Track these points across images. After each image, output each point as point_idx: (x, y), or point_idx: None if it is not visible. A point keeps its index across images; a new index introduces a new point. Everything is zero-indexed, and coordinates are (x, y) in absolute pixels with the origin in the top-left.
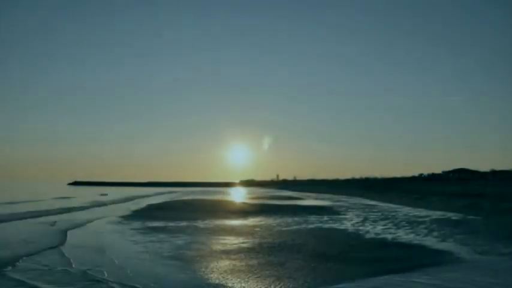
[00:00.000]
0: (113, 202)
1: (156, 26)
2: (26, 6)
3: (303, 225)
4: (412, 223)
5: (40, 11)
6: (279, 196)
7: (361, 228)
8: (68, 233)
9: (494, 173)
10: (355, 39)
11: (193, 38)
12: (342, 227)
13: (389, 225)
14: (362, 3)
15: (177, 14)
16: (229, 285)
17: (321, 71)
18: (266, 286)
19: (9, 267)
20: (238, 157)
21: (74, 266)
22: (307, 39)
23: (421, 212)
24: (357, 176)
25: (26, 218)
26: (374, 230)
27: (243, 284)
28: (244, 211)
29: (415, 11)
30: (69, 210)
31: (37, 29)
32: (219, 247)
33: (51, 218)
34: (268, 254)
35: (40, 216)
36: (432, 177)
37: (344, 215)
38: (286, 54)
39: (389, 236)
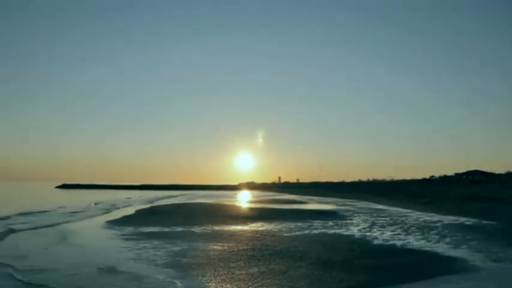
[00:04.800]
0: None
1: (162, 31)
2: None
3: (307, 231)
4: (423, 229)
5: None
6: (281, 200)
7: (368, 234)
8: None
9: (510, 175)
10: (360, 36)
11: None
12: (348, 233)
13: (399, 231)
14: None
15: (174, 19)
16: None
17: (325, 71)
18: None
19: None
20: (238, 159)
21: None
22: (310, 38)
23: (433, 217)
24: (364, 179)
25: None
26: (382, 236)
27: None
28: (244, 216)
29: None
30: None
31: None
32: (217, 254)
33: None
34: (269, 261)
35: None
36: (444, 180)
37: (350, 220)
38: (290, 54)
39: (398, 243)
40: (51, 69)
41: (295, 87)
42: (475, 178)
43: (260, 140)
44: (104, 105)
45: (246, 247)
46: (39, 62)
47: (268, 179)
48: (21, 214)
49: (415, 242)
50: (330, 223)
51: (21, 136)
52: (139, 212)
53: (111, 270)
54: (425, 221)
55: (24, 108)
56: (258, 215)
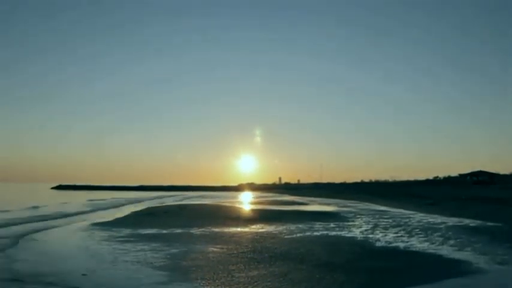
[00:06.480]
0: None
1: (162, 35)
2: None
3: (308, 233)
4: (427, 230)
5: None
6: (282, 201)
7: (370, 236)
8: None
9: None
10: (362, 34)
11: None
12: (350, 235)
13: (402, 232)
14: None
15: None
16: None
17: (326, 70)
18: None
19: None
20: (239, 160)
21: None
22: (312, 37)
23: (436, 219)
24: (366, 179)
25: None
26: (385, 238)
27: None
28: (244, 217)
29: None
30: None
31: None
32: (216, 257)
33: None
34: (269, 264)
35: None
36: (448, 181)
37: (352, 221)
38: (290, 57)
39: (401, 245)
40: (59, 75)
41: (295, 89)
42: (479, 179)
43: (258, 138)
44: (104, 106)
45: (246, 249)
46: (48, 70)
47: (269, 180)
48: None
49: (418, 244)
50: (332, 225)
51: (21, 136)
52: (137, 214)
53: (108, 272)
54: (428, 223)
55: (24, 109)
56: (258, 216)
